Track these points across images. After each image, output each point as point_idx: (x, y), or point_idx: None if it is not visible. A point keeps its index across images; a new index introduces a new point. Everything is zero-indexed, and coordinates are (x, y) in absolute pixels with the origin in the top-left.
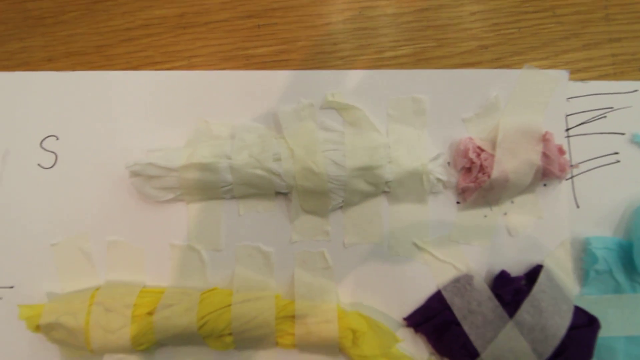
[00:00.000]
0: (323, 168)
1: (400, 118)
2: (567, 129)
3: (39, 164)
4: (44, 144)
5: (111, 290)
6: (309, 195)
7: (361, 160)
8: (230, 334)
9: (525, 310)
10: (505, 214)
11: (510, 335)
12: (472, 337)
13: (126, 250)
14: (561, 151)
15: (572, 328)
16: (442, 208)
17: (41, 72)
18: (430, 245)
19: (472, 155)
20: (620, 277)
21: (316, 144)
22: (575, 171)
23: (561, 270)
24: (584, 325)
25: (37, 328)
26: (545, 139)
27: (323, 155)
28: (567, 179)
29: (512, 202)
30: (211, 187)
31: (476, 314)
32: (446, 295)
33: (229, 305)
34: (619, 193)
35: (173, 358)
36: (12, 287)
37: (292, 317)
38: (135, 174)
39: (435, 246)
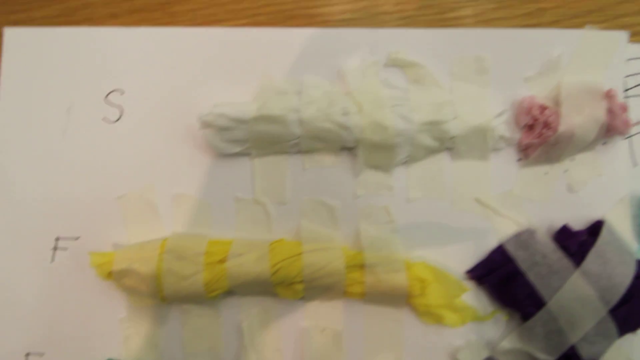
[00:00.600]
0: (391, 122)
1: (464, 76)
2: (626, 90)
3: (103, 118)
4: (109, 98)
5: (180, 240)
6: (375, 150)
7: (428, 115)
8: (301, 282)
9: (590, 260)
10: (565, 171)
11: (577, 284)
12: (538, 286)
13: (192, 203)
14: (623, 108)
15: (637, 277)
16: (503, 165)
17: (106, 27)
18: (492, 200)
19: (535, 112)
20: None
21: (383, 99)
22: (633, 130)
23: (621, 225)
24: None
25: (109, 275)
26: (609, 95)
27: (391, 110)
28: (625, 138)
29: (572, 159)
30: (279, 140)
31: (541, 265)
32: (509, 248)
33: (300, 254)
34: None
35: (238, 308)
36: (77, 239)
37: (361, 267)
38: (206, 125)
39: (497, 202)
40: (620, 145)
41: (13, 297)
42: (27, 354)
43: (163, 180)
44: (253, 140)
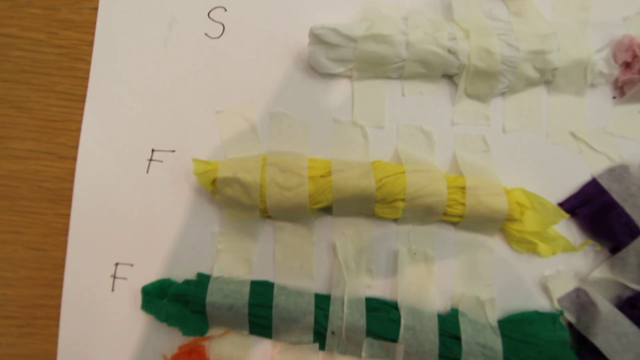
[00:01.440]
0: (498, 48)
1: (565, 12)
2: None
3: (206, 33)
4: (212, 15)
5: (281, 156)
6: (478, 77)
7: (533, 44)
8: (402, 200)
9: None
10: None
11: None
12: (634, 216)
13: (290, 121)
14: None
15: None
16: (599, 102)
17: None
18: (587, 135)
19: (636, 48)
20: None
21: (489, 28)
22: None
23: None
24: None
25: (211, 184)
26: None
27: (497, 37)
28: None
29: None
30: (384, 62)
31: (636, 197)
32: (602, 182)
33: (403, 172)
34: None
35: (331, 229)
36: (174, 152)
37: (462, 189)
38: (316, 40)
39: (591, 137)
40: None
41: (107, 206)
42: (117, 264)
43: (262, 97)
44: (358, 60)
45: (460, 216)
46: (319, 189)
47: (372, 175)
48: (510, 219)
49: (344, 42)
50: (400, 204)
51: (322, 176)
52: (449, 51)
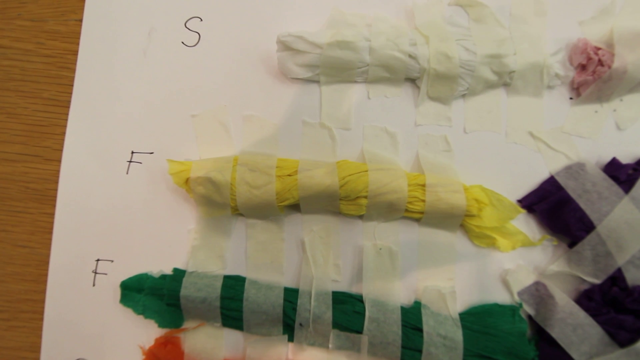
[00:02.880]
0: (456, 53)
1: (522, 18)
2: None
3: (182, 42)
4: (189, 24)
5: (252, 156)
6: (438, 80)
7: (490, 48)
8: (365, 197)
9: None
10: (614, 110)
11: (627, 208)
12: (588, 211)
13: (261, 124)
14: None
15: None
16: (557, 103)
17: None
18: (545, 135)
19: (590, 51)
20: None
21: (448, 33)
22: None
23: None
24: None
25: (185, 183)
26: None
27: (455, 43)
28: None
29: (621, 100)
30: (349, 66)
31: (591, 193)
32: (560, 179)
33: (366, 170)
34: None
35: (300, 225)
36: (152, 153)
37: (422, 186)
38: (284, 47)
39: (549, 136)
40: None
41: (89, 205)
42: (98, 260)
43: (235, 102)
44: (325, 65)
45: (421, 212)
46: (286, 187)
47: (336, 174)
48: (468, 214)
49: (310, 49)
50: (364, 201)
51: (289, 175)
52: (410, 56)
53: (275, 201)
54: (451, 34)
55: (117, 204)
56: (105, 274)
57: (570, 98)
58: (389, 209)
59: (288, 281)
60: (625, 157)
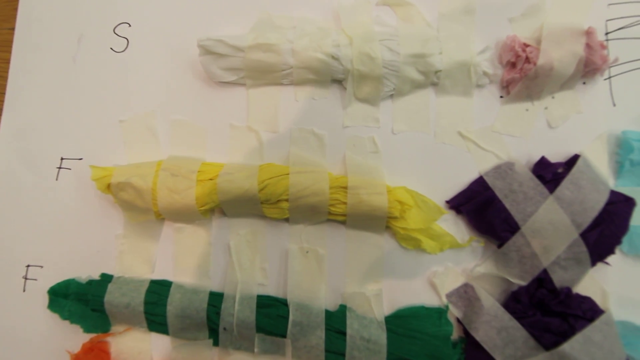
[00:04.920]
0: (379, 53)
1: (451, 16)
2: (607, 33)
3: (111, 48)
4: (117, 30)
5: (176, 161)
6: (363, 81)
7: (414, 47)
8: (286, 200)
9: (565, 186)
10: (546, 108)
11: (550, 208)
12: (513, 212)
13: (189, 128)
14: (602, 45)
15: (609, 204)
16: (486, 102)
17: None
18: (474, 134)
19: (518, 48)
20: None
21: (373, 34)
22: (612, 72)
23: (597, 160)
24: (620, 202)
25: (107, 188)
26: (588, 32)
27: (379, 43)
28: (605, 79)
29: (553, 97)
30: (273, 69)
31: (517, 193)
32: (488, 179)
33: (287, 174)
34: None
35: (228, 230)
36: (81, 159)
37: (345, 189)
38: (205, 51)
39: (478, 136)
40: (600, 86)
41: (20, 212)
42: (28, 266)
43: (164, 106)
44: (248, 68)
45: (344, 215)
46: (206, 192)
47: (255, 178)
48: (391, 216)
49: (232, 52)
50: (285, 204)
51: (210, 179)
52: (333, 57)
53: (196, 205)
54: (376, 34)
55: (47, 210)
56: (36, 279)
57: (501, 96)
58: (311, 212)
59: (216, 285)
60: (558, 156)
